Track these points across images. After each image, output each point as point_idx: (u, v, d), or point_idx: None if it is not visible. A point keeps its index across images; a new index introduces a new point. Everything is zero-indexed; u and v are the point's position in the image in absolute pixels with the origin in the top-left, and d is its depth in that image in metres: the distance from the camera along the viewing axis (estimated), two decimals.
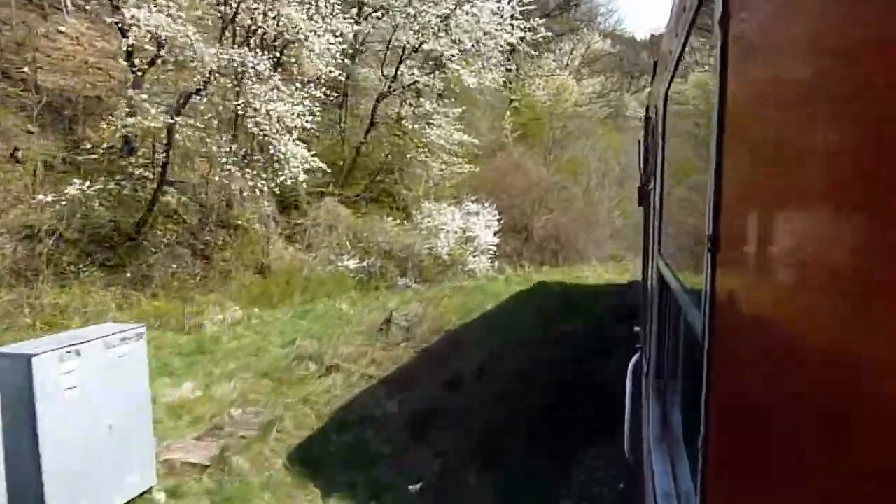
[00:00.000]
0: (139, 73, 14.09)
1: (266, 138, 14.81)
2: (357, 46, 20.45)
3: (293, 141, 14.95)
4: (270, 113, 13.66)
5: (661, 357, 3.18)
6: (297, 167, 14.76)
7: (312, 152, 19.91)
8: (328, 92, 21.49)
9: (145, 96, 13.84)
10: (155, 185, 14.93)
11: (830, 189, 0.71)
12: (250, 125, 13.92)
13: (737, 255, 1.13)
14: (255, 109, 13.89)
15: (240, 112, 13.88)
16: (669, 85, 2.74)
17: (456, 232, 18.58)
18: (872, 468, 0.58)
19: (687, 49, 2.15)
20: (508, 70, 32.71)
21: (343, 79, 21.09)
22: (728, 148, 1.22)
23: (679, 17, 2.37)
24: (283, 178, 14.59)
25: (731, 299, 1.17)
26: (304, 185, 17.86)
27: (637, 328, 5.24)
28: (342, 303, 14.85)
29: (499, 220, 19.94)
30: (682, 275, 2.08)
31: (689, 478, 2.14)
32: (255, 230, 16.48)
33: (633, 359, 4.13)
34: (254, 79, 14.03)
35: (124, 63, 14.24)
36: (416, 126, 19.13)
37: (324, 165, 15.63)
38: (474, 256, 18.70)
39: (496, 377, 9.13)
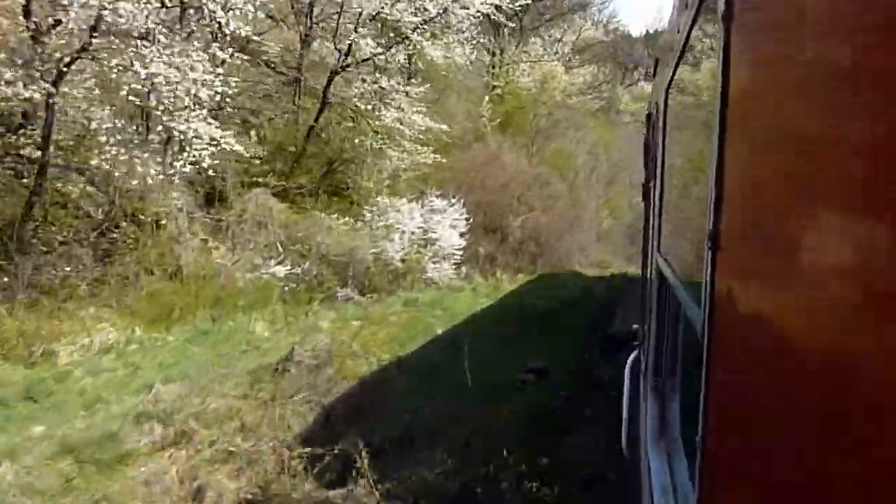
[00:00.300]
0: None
1: (165, 113, 11.69)
2: (307, 13, 17.28)
3: (201, 118, 11.83)
4: (158, 81, 10.47)
5: (659, 354, 3.15)
6: (204, 149, 11.61)
7: (254, 138, 16.89)
8: (274, 64, 18.62)
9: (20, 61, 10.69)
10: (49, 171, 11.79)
11: (832, 187, 0.70)
12: (133, 95, 10.73)
13: (737, 253, 1.14)
14: (150, 75, 10.75)
15: (123, 80, 10.70)
16: (671, 82, 2.70)
17: (414, 233, 15.50)
18: (871, 466, 0.58)
19: (689, 46, 2.10)
20: (492, 54, 29.74)
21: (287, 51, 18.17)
22: (730, 145, 1.20)
23: (681, 13, 2.36)
24: (181, 161, 11.43)
25: (731, 297, 1.17)
26: (230, 173, 14.80)
27: (636, 326, 5.08)
28: (259, 321, 11.75)
29: (467, 220, 16.86)
30: (681, 272, 2.08)
31: (687, 475, 2.11)
32: (164, 227, 13.33)
33: (632, 356, 4.14)
34: (148, 38, 10.91)
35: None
36: (368, 107, 15.99)
37: (240, 148, 12.52)
38: (435, 262, 15.62)
39: (416, 463, 6.05)
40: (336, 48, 17.28)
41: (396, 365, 8.79)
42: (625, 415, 3.87)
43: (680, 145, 2.46)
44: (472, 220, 17.71)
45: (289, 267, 13.44)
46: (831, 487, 0.67)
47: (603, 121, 36.02)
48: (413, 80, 19.13)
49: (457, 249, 16.20)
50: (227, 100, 17.85)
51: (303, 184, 16.40)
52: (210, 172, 13.92)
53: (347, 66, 16.90)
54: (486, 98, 23.93)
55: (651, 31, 48.27)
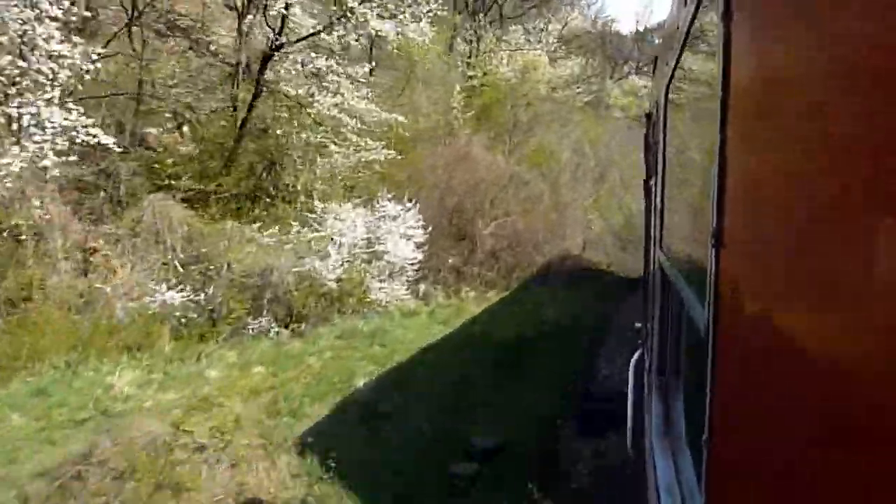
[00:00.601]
0: None
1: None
2: None
3: (54, 102, 8.85)
4: None
5: (663, 353, 3.16)
6: (47, 140, 8.60)
7: (150, 130, 13.99)
8: (221, 53, 15.70)
9: None
10: None
11: (834, 184, 0.70)
12: None
13: (741, 250, 1.12)
14: None
15: None
16: (671, 80, 2.69)
17: (356, 245, 12.51)
18: (875, 465, 0.57)
19: (688, 43, 2.07)
20: (468, 42, 26.84)
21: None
22: (731, 143, 1.18)
23: (680, 10, 2.34)
24: (12, 161, 8.38)
25: (735, 295, 1.15)
26: (124, 173, 11.79)
27: (638, 324, 4.86)
28: (126, 369, 8.73)
29: (425, 228, 13.89)
30: (684, 271, 2.05)
31: (692, 473, 2.06)
32: (23, 243, 10.33)
33: (636, 355, 3.98)
34: None
35: None
36: (299, 91, 12.97)
37: (110, 140, 9.50)
38: (382, 280, 12.62)
39: None
40: (268, 25, 14.30)
41: (265, 457, 5.78)
42: (629, 414, 3.65)
43: (681, 143, 2.44)
44: (434, 227, 14.74)
45: (188, 292, 10.44)
46: (836, 486, 0.67)
47: (591, 116, 33.15)
48: (374, 68, 16.18)
49: (411, 264, 13.22)
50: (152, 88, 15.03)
51: (224, 187, 13.40)
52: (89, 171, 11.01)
53: (281, 46, 13.91)
54: (458, 88, 20.95)
55: (640, 30, 45.94)
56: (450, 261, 14.98)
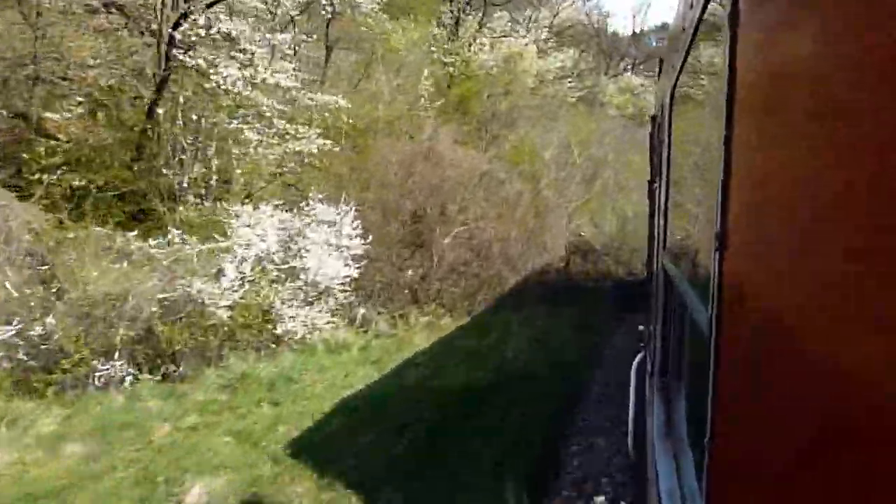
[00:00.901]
0: None
1: None
2: None
3: None
4: None
5: (665, 355, 3.12)
6: None
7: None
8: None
9: None
10: None
11: (839, 185, 0.69)
12: None
13: (745, 252, 1.11)
14: None
15: None
16: (676, 82, 2.67)
17: (267, 259, 9.61)
18: (877, 467, 0.57)
19: (693, 47, 2.06)
20: (444, 26, 23.99)
21: None
22: (736, 144, 1.18)
23: (686, 13, 2.31)
24: None
25: (738, 298, 1.14)
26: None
27: (641, 326, 4.84)
28: None
29: (364, 237, 10.99)
30: (688, 273, 2.03)
31: (694, 476, 2.02)
32: None
33: (638, 357, 3.99)
34: None
35: None
36: (200, 60, 10.06)
37: None
38: (301, 305, 9.70)
39: None
40: None
41: None
42: (631, 416, 3.65)
43: (686, 145, 2.42)
44: (381, 235, 11.85)
45: (15, 326, 7.54)
46: (837, 488, 0.66)
47: (583, 112, 30.31)
48: (304, 41, 13.30)
49: (341, 283, 10.31)
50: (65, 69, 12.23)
51: (112, 183, 10.51)
52: None
53: (189, 13, 11.00)
54: (426, 72, 18.04)
55: (637, 31, 43.58)
56: (400, 278, 12.08)
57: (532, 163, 18.65)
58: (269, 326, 9.06)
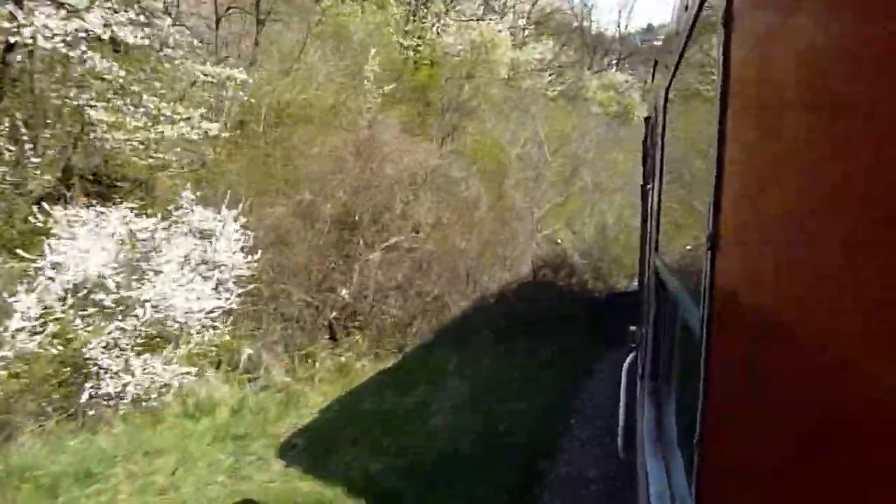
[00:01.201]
0: None
1: None
2: None
3: None
4: None
5: (657, 357, 3.08)
6: None
7: None
8: None
9: None
10: None
11: (832, 188, 0.69)
12: None
13: (737, 254, 1.11)
14: None
15: None
16: (670, 84, 2.67)
17: (97, 283, 6.73)
18: (872, 469, 0.56)
19: (688, 48, 2.06)
20: (405, 3, 21.15)
21: None
22: (729, 146, 1.17)
23: (681, 15, 2.32)
24: None
25: (731, 299, 1.13)
26: None
27: (633, 328, 4.75)
28: None
29: (248, 252, 8.12)
30: (679, 274, 2.03)
31: (684, 479, 1.97)
32: None
33: (629, 359, 3.98)
34: None
35: None
36: (7, 6, 7.15)
37: None
38: (134, 352, 6.81)
39: None
40: None
41: None
42: (622, 419, 3.59)
43: (679, 147, 2.41)
44: (283, 250, 9.02)
45: None
46: (829, 490, 0.65)
47: (563, 108, 27.65)
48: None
49: (208, 316, 7.42)
50: None
51: None
52: None
53: None
54: (373, 51, 15.16)
55: (622, 27, 41.63)
56: (311, 305, 9.22)
57: (498, 160, 15.86)
58: (66, 391, 6.17)
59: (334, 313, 9.27)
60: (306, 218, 9.93)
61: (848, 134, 0.64)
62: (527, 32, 30.65)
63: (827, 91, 0.71)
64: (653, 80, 4.66)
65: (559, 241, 21.08)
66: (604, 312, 11.04)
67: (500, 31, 24.99)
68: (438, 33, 20.27)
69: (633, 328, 4.71)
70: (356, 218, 10.55)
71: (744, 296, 1.05)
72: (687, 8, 2.02)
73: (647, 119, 5.11)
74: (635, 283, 8.75)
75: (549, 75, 30.18)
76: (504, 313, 10.72)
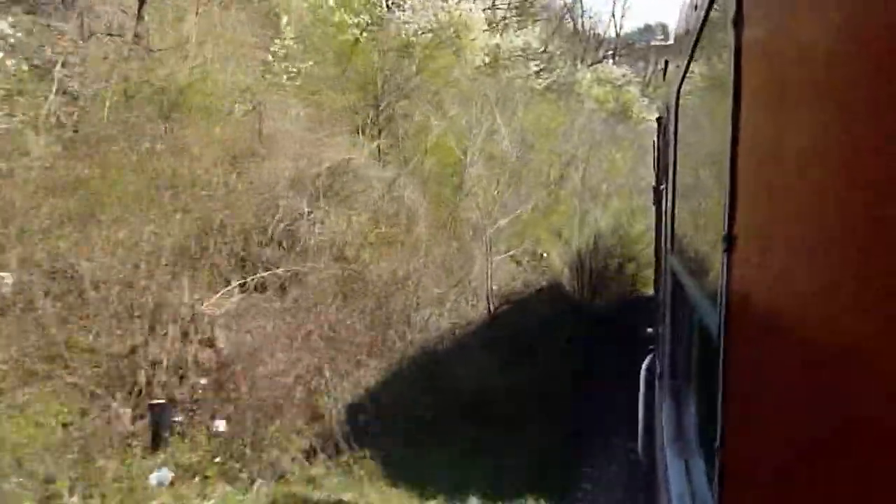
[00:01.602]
0: None
1: None
2: None
3: None
4: None
5: (675, 358, 3.05)
6: None
7: None
8: None
9: None
10: None
11: (847, 189, 0.68)
12: None
13: (753, 255, 1.10)
14: None
15: None
16: (681, 84, 2.64)
17: None
18: (891, 471, 0.55)
19: (698, 48, 2.04)
20: None
21: None
22: (743, 147, 1.16)
23: (690, 15, 2.30)
24: None
25: (747, 299, 1.12)
26: None
27: (650, 329, 4.75)
28: None
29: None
30: (696, 275, 1.98)
31: (704, 479, 1.99)
32: None
33: (647, 360, 3.94)
34: None
35: None
36: None
37: None
38: None
39: None
40: None
41: None
42: (641, 420, 3.59)
43: (692, 147, 2.40)
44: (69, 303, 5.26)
45: None
46: (849, 492, 0.64)
47: (552, 101, 23.92)
48: None
49: None
50: None
51: None
52: None
53: None
54: (285, 20, 11.40)
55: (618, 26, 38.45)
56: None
57: (452, 158, 12.05)
58: None
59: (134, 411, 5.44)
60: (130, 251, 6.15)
61: (863, 132, 0.63)
62: (508, 17, 27.02)
63: (841, 88, 0.69)
64: (664, 78, 4.56)
65: (544, 254, 17.30)
66: (600, 360, 7.24)
67: (470, 9, 21.22)
68: (389, 6, 16.54)
69: (650, 330, 4.62)
70: (200, 245, 6.75)
71: (761, 298, 1.03)
72: (696, 7, 2.02)
73: (658, 119, 5.16)
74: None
75: (536, 65, 26.54)
76: (430, 388, 6.86)
